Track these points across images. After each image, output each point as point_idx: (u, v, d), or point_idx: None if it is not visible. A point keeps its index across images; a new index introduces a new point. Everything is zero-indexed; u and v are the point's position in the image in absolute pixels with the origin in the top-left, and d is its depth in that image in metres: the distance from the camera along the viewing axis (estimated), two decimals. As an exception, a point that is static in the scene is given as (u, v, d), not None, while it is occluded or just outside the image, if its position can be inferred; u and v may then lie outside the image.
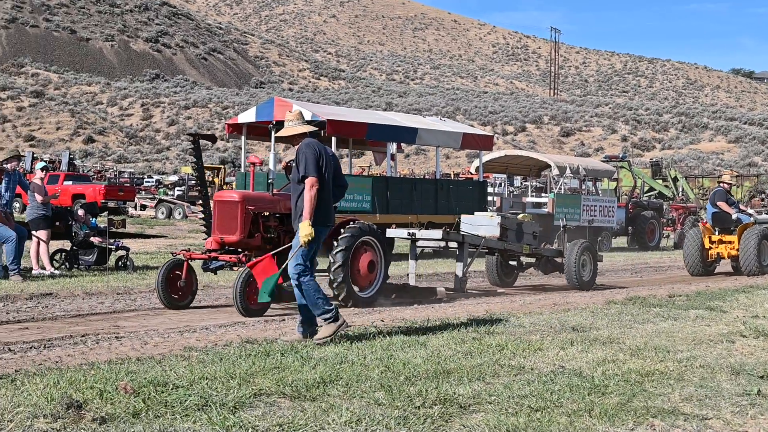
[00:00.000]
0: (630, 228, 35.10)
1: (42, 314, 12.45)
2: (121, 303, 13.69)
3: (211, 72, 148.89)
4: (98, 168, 72.42)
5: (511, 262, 18.19)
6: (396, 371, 7.97)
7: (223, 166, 69.74)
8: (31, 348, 9.42)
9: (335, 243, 13.20)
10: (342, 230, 13.39)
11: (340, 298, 13.19)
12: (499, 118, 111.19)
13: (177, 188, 60.58)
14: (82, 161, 79.82)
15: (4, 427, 5.83)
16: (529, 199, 33.84)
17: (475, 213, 18.50)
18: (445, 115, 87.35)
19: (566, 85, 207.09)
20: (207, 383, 7.30)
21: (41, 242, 18.13)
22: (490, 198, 30.47)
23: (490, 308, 13.62)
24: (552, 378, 7.88)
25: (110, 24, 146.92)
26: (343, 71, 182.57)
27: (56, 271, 18.14)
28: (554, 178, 34.13)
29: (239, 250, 12.93)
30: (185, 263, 12.95)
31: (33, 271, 17.74)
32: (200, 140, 16.21)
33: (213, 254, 12.93)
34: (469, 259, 16.29)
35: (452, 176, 58.17)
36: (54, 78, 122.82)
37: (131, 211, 48.93)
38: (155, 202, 51.81)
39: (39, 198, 18.39)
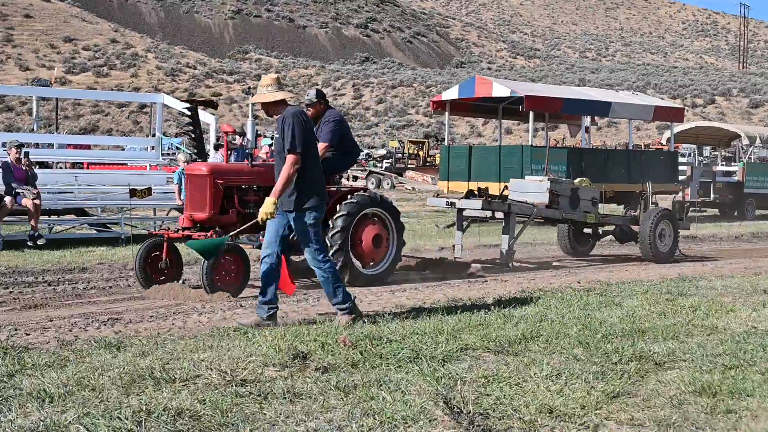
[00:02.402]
0: (825, 197, 33.42)
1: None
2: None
3: (415, 54, 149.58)
4: (315, 143, 73.69)
5: (585, 230, 16.02)
6: (593, 329, 7.87)
7: (427, 140, 70.15)
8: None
9: (338, 208, 11.34)
10: (349, 197, 11.53)
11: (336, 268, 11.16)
12: (688, 91, 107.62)
13: (385, 161, 61.32)
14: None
15: (239, 374, 6.04)
16: (719, 168, 32.70)
17: (526, 177, 16.37)
18: (637, 90, 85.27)
19: (755, 59, 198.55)
20: (417, 338, 7.37)
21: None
22: (681, 168, 29.57)
23: (683, 271, 13.27)
24: (745, 338, 7.63)
25: (324, 12, 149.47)
26: (538, 50, 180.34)
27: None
28: (743, 148, 32.88)
29: (215, 227, 10.86)
30: (165, 243, 11.01)
31: (261, 238, 18.22)
32: (198, 108, 14.01)
33: (186, 232, 10.92)
34: (517, 230, 14.27)
35: (642, 147, 56.77)
36: (275, 62, 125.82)
37: (344, 181, 49.84)
38: (366, 173, 52.72)
39: (264, 170, 18.88)
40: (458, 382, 5.94)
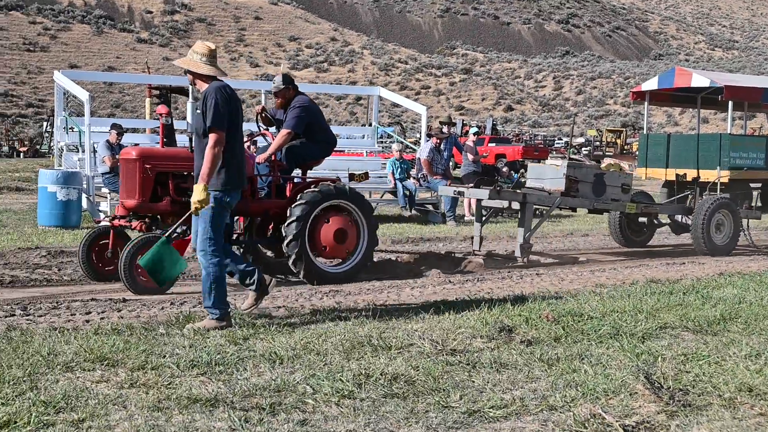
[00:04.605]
0: None
1: (478, 253, 12.82)
2: (539, 246, 13.75)
3: (614, 47, 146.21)
4: (516, 132, 73.43)
5: (640, 219, 13.74)
6: (793, 312, 7.51)
7: (624, 129, 68.54)
8: (467, 281, 9.76)
9: (298, 197, 9.46)
10: (312, 186, 9.61)
11: (300, 276, 9.44)
12: None
13: (584, 148, 60.38)
14: (503, 126, 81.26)
15: (449, 344, 6.09)
16: None
17: (545, 161, 14.02)
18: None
19: None
20: (617, 316, 7.23)
21: (472, 194, 18.68)
22: None
23: None
24: None
25: (527, 9, 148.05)
26: (737, 42, 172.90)
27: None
28: None
29: (146, 216, 9.31)
30: (111, 232, 9.52)
31: (465, 218, 18.32)
32: (171, 93, 12.47)
33: (122, 221, 9.41)
34: (534, 222, 12.10)
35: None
36: (480, 57, 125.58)
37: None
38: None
39: (471, 157, 18.95)
40: (658, 359, 5.79)
